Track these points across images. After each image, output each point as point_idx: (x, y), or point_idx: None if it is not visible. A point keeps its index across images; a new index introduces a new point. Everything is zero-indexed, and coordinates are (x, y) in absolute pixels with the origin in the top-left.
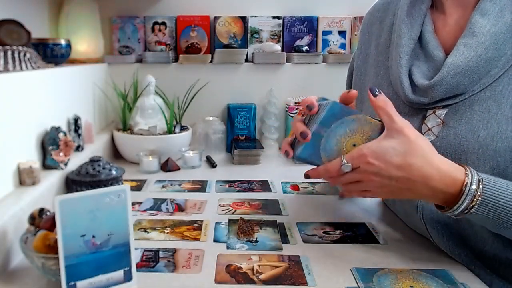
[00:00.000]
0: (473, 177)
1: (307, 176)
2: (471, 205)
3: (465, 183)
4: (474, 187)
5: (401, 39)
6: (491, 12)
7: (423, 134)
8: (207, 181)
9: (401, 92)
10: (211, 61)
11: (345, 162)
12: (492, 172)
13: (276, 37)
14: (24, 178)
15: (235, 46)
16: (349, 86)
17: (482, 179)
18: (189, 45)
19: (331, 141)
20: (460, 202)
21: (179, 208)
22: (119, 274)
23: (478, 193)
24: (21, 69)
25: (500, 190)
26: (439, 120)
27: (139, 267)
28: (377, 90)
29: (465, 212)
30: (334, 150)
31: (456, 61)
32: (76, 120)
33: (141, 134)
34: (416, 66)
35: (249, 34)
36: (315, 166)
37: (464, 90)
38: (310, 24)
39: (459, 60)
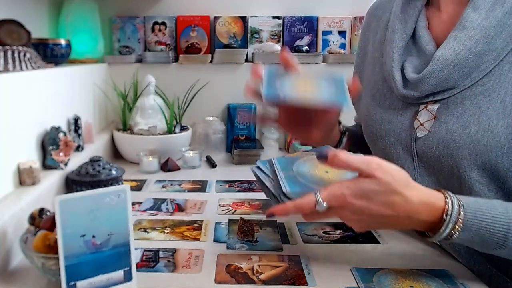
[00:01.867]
0: (453, 204)
1: (270, 214)
2: (453, 232)
3: (445, 212)
4: (455, 214)
5: (395, 34)
6: (483, 6)
7: (415, 129)
8: (207, 181)
9: (393, 87)
10: (211, 61)
11: (321, 201)
12: (484, 167)
13: (276, 37)
14: (24, 178)
15: (235, 46)
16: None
17: (463, 205)
18: (189, 45)
19: (306, 177)
20: (441, 230)
21: (179, 208)
22: (119, 274)
23: (460, 220)
24: (21, 69)
25: (482, 214)
26: (431, 115)
27: (139, 267)
28: (324, 151)
29: (448, 238)
30: (317, 182)
31: (445, 54)
32: (76, 120)
33: (141, 134)
34: (408, 62)
35: (249, 34)
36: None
37: (455, 84)
38: (310, 24)
39: (448, 53)
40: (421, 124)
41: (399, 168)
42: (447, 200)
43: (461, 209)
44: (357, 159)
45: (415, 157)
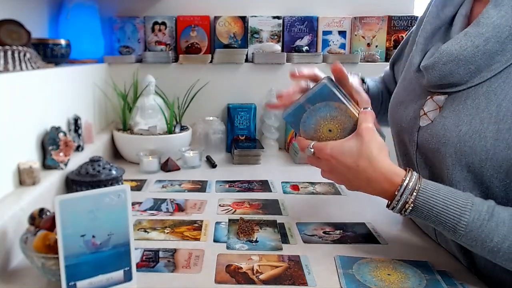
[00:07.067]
0: (408, 184)
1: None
2: (405, 209)
3: (397, 189)
4: (406, 194)
5: (427, 17)
6: (506, 3)
7: (420, 118)
8: (207, 181)
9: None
10: (211, 61)
11: (311, 147)
12: (468, 170)
13: (276, 37)
14: (24, 178)
15: (235, 46)
16: (396, 58)
17: (419, 187)
18: (189, 45)
19: (311, 119)
20: (394, 204)
21: (179, 208)
22: (119, 274)
23: (411, 200)
24: (21, 69)
25: (435, 200)
26: (435, 105)
27: (139, 267)
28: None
29: (402, 213)
30: (311, 128)
31: (450, 49)
32: (76, 120)
33: (141, 134)
34: (435, 47)
35: (249, 34)
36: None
37: (461, 80)
38: (310, 24)
39: (453, 48)
40: (425, 114)
41: (383, 141)
42: (404, 178)
43: (414, 191)
44: (371, 114)
45: (414, 147)
